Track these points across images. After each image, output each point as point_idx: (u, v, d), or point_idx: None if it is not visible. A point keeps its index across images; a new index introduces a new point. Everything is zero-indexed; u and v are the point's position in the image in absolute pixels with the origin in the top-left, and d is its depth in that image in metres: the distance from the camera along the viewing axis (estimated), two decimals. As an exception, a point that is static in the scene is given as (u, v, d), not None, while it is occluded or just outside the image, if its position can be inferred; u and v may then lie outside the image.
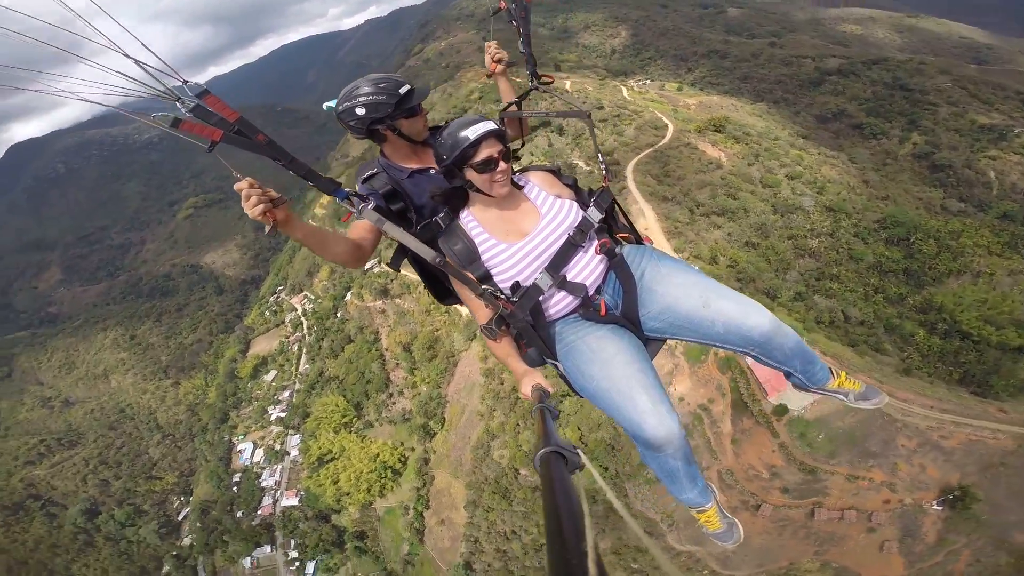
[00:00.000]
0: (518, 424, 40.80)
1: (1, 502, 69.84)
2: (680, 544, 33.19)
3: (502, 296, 2.42)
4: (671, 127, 64.55)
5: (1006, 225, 50.15)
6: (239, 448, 66.73)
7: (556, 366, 2.55)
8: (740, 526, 2.86)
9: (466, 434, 46.04)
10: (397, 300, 62.12)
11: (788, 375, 2.66)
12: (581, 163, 61.25)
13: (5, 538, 65.54)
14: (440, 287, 2.95)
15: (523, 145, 3.16)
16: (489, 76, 3.18)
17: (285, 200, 1.97)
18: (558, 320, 2.58)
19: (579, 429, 35.79)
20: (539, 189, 2.59)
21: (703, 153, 59.62)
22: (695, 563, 32.16)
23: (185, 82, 1.58)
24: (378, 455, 51.10)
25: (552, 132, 65.84)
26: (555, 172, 2.75)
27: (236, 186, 1.94)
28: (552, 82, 3.25)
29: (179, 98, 1.56)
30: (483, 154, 2.26)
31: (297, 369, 70.49)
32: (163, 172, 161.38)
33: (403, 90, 2.58)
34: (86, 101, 1.48)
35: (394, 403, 56.15)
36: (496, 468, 41.38)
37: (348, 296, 68.04)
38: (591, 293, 2.50)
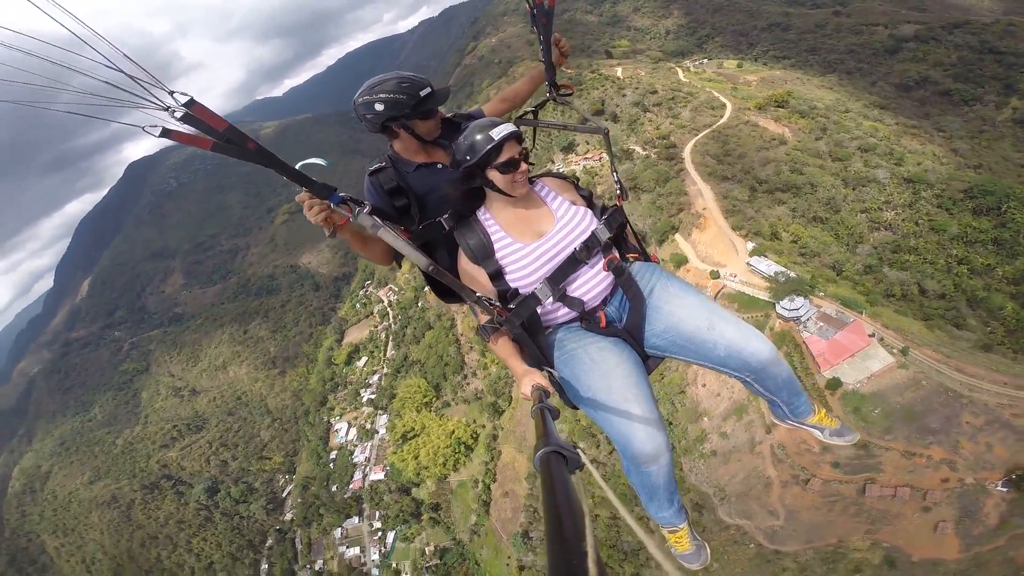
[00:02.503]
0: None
1: (141, 482, 79.95)
2: (729, 517, 33.31)
3: (496, 305, 2.44)
4: (729, 106, 62.12)
5: None
6: (336, 428, 73.07)
7: (551, 373, 2.51)
8: (708, 549, 2.85)
9: (529, 410, 48.00)
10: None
11: (773, 404, 2.69)
12: (638, 148, 60.63)
13: (142, 515, 74.91)
14: (442, 285, 2.88)
15: (531, 151, 3.11)
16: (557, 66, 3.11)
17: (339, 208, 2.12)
18: (559, 328, 2.60)
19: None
20: (555, 194, 2.63)
21: (765, 130, 57.10)
22: (743, 536, 32.12)
23: (171, 92, 1.59)
24: (453, 432, 54.46)
25: (607, 119, 65.38)
26: (572, 182, 2.79)
27: (298, 198, 2.10)
28: (572, 93, 3.16)
29: (168, 107, 1.59)
30: (505, 155, 2.32)
31: (385, 355, 76.01)
32: (258, 182, 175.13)
33: (424, 92, 2.63)
34: (78, 115, 1.51)
35: (468, 383, 59.32)
36: (558, 441, 43.09)
37: (427, 287, 72.55)
38: (595, 307, 2.52)
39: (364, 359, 79.20)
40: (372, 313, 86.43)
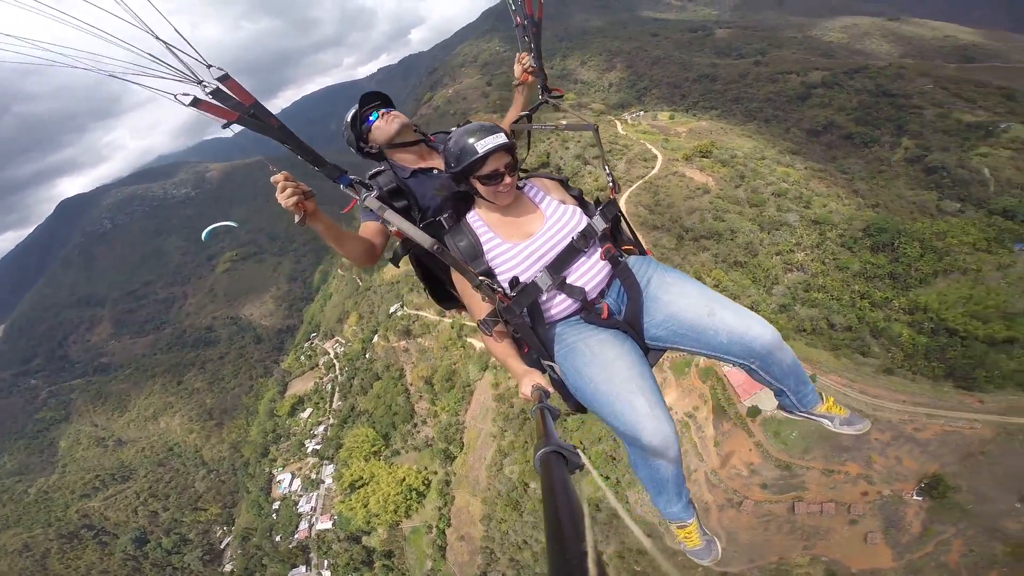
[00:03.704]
0: (526, 442, 43.48)
1: (58, 531, 74.38)
2: (675, 544, 34.75)
3: (499, 290, 2.42)
4: (660, 158, 67.78)
5: (993, 221, 50.92)
6: (278, 479, 70.48)
7: (552, 368, 2.53)
8: (719, 544, 2.83)
9: (481, 455, 48.80)
10: (419, 339, 66.57)
11: (780, 394, 2.66)
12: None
13: (59, 564, 69.56)
14: (440, 288, 2.95)
15: (527, 157, 3.23)
16: (517, 86, 3.23)
17: (314, 193, 2.12)
18: (559, 322, 2.58)
19: (581, 443, 38.24)
20: (544, 193, 2.67)
21: (691, 180, 62.52)
22: (690, 561, 33.68)
23: (209, 66, 1.66)
24: (404, 479, 54.09)
25: (552, 171, 69.90)
26: (562, 182, 2.85)
27: (272, 178, 2.06)
28: (562, 95, 3.26)
29: (201, 81, 1.66)
30: (490, 167, 2.34)
31: (331, 406, 74.97)
32: (200, 227, 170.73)
33: (349, 117, 2.87)
34: (116, 77, 1.55)
35: (418, 431, 59.42)
36: (507, 483, 44.04)
37: (375, 338, 73.01)
38: (593, 297, 2.51)
39: (309, 410, 77.76)
40: (318, 365, 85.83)
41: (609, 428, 2.33)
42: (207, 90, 1.70)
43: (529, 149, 3.33)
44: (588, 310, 2.50)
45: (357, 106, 2.89)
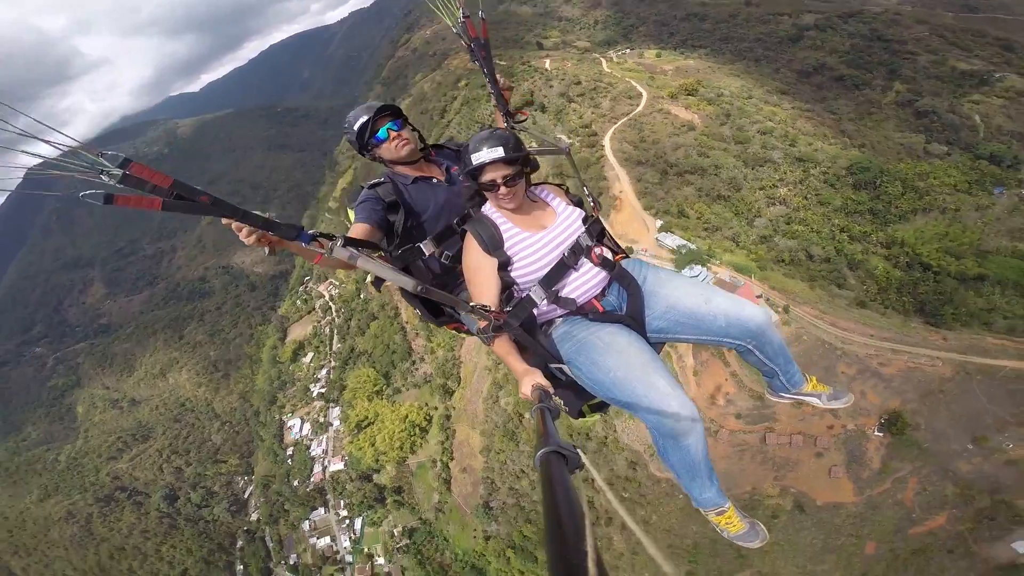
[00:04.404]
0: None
1: (95, 495, 77.27)
2: (660, 472, 37.03)
3: (493, 311, 2.46)
4: (645, 95, 67.20)
5: (978, 165, 51.90)
6: (289, 424, 73.28)
7: (562, 370, 2.57)
8: (762, 525, 2.77)
9: (478, 388, 51.30)
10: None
11: (771, 375, 2.82)
12: (564, 137, 64.52)
13: (104, 528, 72.67)
14: (434, 306, 2.97)
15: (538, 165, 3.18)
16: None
17: (274, 222, 1.96)
18: (563, 322, 2.68)
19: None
20: (554, 195, 2.83)
21: (676, 117, 62.54)
22: (672, 488, 35.65)
23: (100, 154, 1.43)
24: (407, 416, 56.81)
25: (535, 111, 69.19)
26: (564, 189, 2.96)
27: (225, 222, 1.86)
28: (526, 118, 3.30)
29: (102, 171, 1.41)
30: (487, 177, 2.48)
31: (331, 348, 76.68)
32: (181, 180, 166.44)
33: (357, 127, 2.86)
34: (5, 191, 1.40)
35: (417, 369, 61.68)
36: (503, 415, 46.71)
37: (368, 277, 73.52)
38: (590, 300, 2.63)
39: (310, 355, 79.44)
40: (314, 308, 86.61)
41: (634, 415, 2.36)
42: (114, 180, 1.44)
43: None
44: (584, 312, 2.63)
45: (367, 116, 2.86)
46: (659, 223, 48.81)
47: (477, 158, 2.43)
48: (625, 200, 52.60)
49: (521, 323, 2.57)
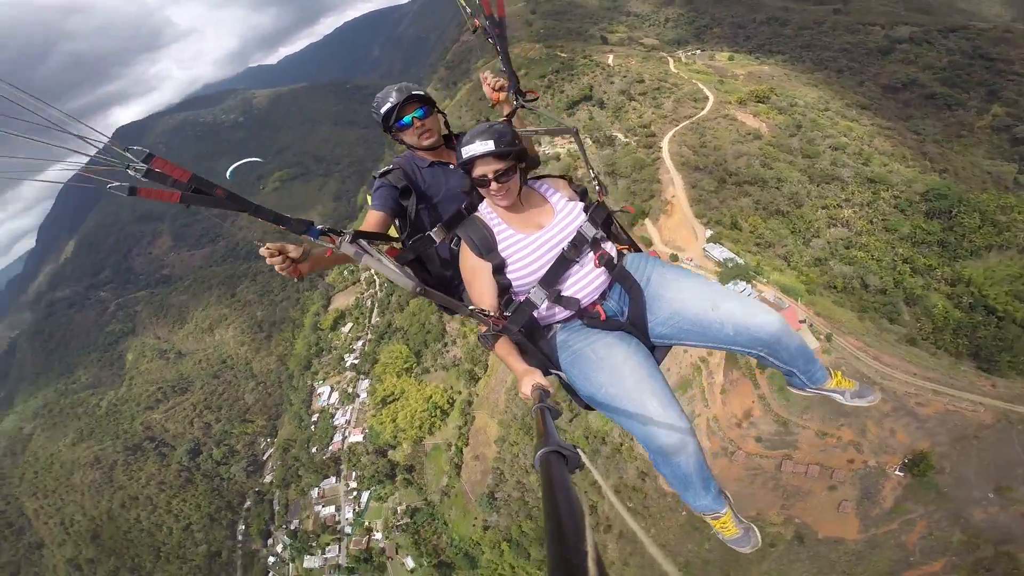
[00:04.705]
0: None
1: (125, 443, 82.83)
2: (667, 486, 36.75)
3: (492, 316, 2.47)
4: (711, 99, 65.22)
5: None
6: (319, 391, 76.81)
7: (559, 376, 2.57)
8: (757, 531, 2.79)
9: (503, 378, 51.93)
10: None
11: (790, 375, 2.72)
12: (620, 135, 63.77)
13: (124, 476, 77.83)
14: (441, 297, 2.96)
15: (538, 160, 3.20)
16: (492, 107, 3.15)
17: (306, 252, 2.11)
18: (562, 328, 2.65)
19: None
20: (554, 190, 2.74)
21: (742, 124, 60.38)
22: (677, 504, 35.20)
23: (126, 149, 1.57)
24: (431, 397, 58.44)
25: (593, 106, 68.48)
26: (568, 179, 2.88)
27: (260, 252, 2.07)
28: (537, 98, 3.23)
29: (128, 165, 1.56)
30: (477, 172, 2.42)
31: (370, 321, 79.84)
32: (250, 149, 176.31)
33: (384, 109, 2.90)
34: (42, 181, 1.52)
35: (447, 351, 63.19)
36: (523, 407, 47.07)
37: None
38: (591, 302, 2.57)
39: (349, 325, 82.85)
40: (359, 280, 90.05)
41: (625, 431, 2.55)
42: (139, 174, 1.60)
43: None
44: (586, 316, 2.57)
45: (394, 101, 2.89)
46: (709, 233, 47.43)
47: (467, 151, 2.40)
48: (676, 205, 51.47)
49: (521, 327, 2.54)
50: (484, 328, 2.51)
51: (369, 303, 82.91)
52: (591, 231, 2.59)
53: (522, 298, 2.55)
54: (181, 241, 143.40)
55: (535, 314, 2.59)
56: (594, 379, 2.36)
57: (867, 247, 45.56)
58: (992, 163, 57.26)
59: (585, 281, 2.56)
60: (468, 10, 2.92)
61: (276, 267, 2.08)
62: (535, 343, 2.60)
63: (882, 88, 75.09)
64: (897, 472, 30.93)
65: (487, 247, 2.55)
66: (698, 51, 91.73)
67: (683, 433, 2.21)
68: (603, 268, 2.58)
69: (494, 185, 2.43)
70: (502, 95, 3.04)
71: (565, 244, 2.54)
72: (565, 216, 2.61)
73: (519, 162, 2.49)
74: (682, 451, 2.24)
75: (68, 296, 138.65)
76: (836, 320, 37.45)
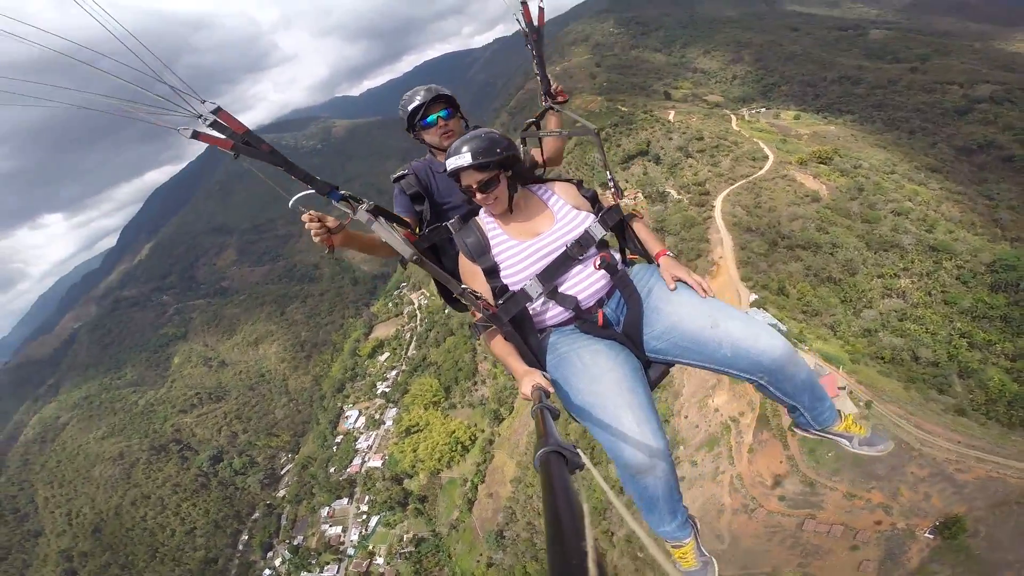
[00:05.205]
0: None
1: (152, 443, 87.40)
2: (670, 565, 36.00)
3: (482, 299, 2.50)
4: (771, 158, 65.70)
5: None
6: (347, 414, 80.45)
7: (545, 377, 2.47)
8: (716, 565, 2.69)
9: (527, 422, 52.50)
10: None
11: (793, 411, 2.60)
12: (673, 192, 65.12)
13: (142, 474, 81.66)
14: (449, 292, 2.94)
15: (546, 169, 3.38)
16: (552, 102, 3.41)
17: (343, 225, 2.34)
18: (553, 330, 2.64)
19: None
20: (557, 197, 2.74)
21: (801, 185, 60.28)
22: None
23: (203, 101, 1.89)
24: (454, 432, 60.04)
25: (648, 161, 70.57)
26: (576, 184, 2.88)
27: (302, 219, 2.31)
28: (567, 100, 3.38)
29: (200, 115, 1.89)
30: (464, 182, 2.52)
31: (406, 353, 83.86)
32: (321, 175, 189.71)
33: (412, 107, 3.05)
34: (124, 116, 1.74)
35: (476, 389, 65.04)
36: (544, 451, 47.47)
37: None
38: (590, 306, 2.55)
39: (386, 354, 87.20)
40: (402, 313, 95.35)
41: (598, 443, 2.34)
42: (206, 123, 1.92)
43: (544, 158, 3.40)
44: (582, 319, 2.53)
45: (422, 100, 3.05)
46: (753, 297, 46.97)
47: (449, 163, 2.50)
48: (723, 266, 51.55)
49: (514, 320, 2.54)
50: (477, 316, 2.58)
51: (408, 336, 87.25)
52: (599, 232, 2.61)
53: (517, 288, 2.55)
54: (244, 256, 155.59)
55: (530, 309, 2.58)
56: (574, 384, 2.34)
57: (922, 320, 43.81)
58: None
59: (586, 283, 2.55)
60: (514, 15, 3.14)
61: (313, 232, 2.32)
62: (526, 340, 2.58)
63: (956, 150, 72.49)
64: (927, 535, 29.66)
65: (479, 251, 2.61)
66: (763, 109, 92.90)
67: (654, 453, 2.15)
68: (604, 271, 2.56)
69: (479, 196, 2.54)
70: (564, 96, 3.44)
71: (565, 247, 2.55)
72: (566, 224, 2.62)
73: (506, 170, 2.55)
74: (650, 472, 2.19)
75: (134, 296, 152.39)
76: (879, 389, 36.23)
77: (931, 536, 29.39)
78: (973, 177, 66.75)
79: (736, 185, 62.26)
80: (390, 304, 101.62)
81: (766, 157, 66.91)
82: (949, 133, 76.13)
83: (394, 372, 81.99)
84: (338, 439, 76.74)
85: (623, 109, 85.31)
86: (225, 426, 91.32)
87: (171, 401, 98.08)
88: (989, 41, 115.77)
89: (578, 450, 1.17)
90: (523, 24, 3.16)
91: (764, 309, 45.17)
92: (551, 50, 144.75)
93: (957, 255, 48.72)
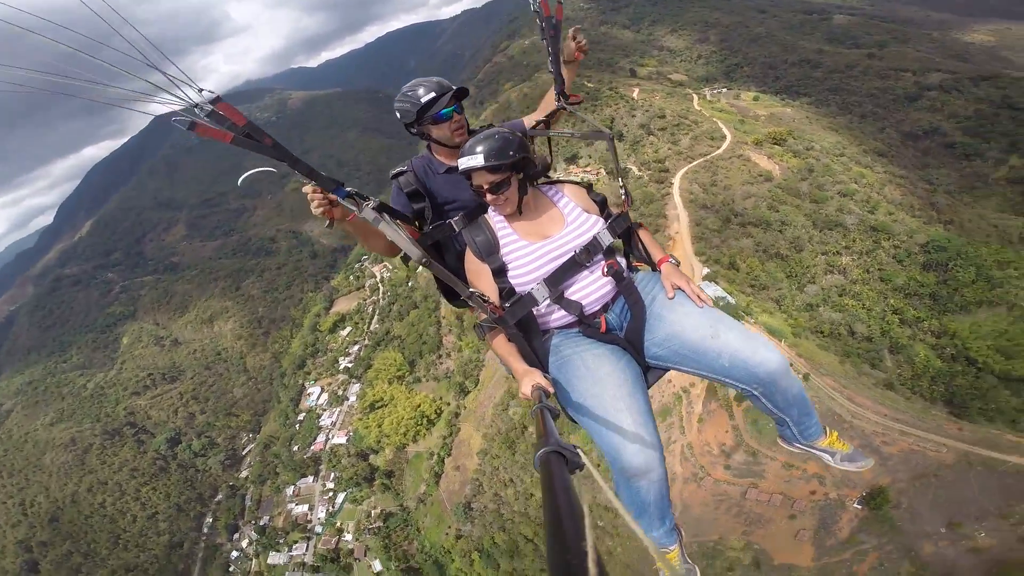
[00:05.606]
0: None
1: (104, 427, 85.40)
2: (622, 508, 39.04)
3: (490, 302, 2.59)
4: (729, 138, 68.84)
5: None
6: (309, 391, 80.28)
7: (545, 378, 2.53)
8: (698, 572, 2.84)
9: (492, 393, 54.80)
10: None
11: (782, 424, 2.72)
12: (634, 168, 67.53)
13: (97, 460, 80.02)
14: (449, 287, 2.98)
15: (550, 166, 3.20)
16: (568, 63, 3.30)
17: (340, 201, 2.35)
18: (557, 333, 2.73)
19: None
20: (567, 199, 2.83)
21: (755, 165, 63.64)
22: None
23: (201, 90, 1.83)
24: (419, 406, 61.49)
25: (573, 135, 72.64)
26: (586, 187, 2.97)
27: (303, 189, 2.33)
28: (580, 102, 3.38)
29: (197, 104, 1.83)
30: (475, 182, 2.60)
31: (369, 327, 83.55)
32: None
33: (425, 99, 2.88)
34: (116, 106, 1.70)
35: (441, 363, 66.40)
36: (509, 423, 49.88)
37: (420, 268, 79.84)
38: (593, 311, 2.65)
39: (348, 329, 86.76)
40: (364, 286, 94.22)
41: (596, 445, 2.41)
42: (203, 113, 1.87)
43: (551, 154, 3.43)
44: (586, 324, 2.65)
45: (437, 92, 2.91)
46: (705, 271, 50.27)
47: (462, 163, 2.56)
48: (678, 242, 54.47)
49: (519, 322, 2.62)
50: (481, 316, 2.66)
51: (371, 309, 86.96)
52: (607, 239, 2.69)
53: (524, 291, 2.63)
54: (195, 231, 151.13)
55: (535, 311, 2.67)
56: (576, 387, 2.43)
57: (860, 296, 47.93)
58: (1000, 216, 58.90)
59: (591, 288, 2.64)
60: (533, 6, 3.09)
61: (315, 204, 2.33)
62: (530, 342, 2.66)
63: (903, 135, 77.47)
64: (856, 505, 32.97)
65: (488, 250, 2.68)
66: (724, 89, 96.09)
67: (652, 457, 2.25)
68: (610, 278, 2.65)
69: (489, 196, 2.60)
70: (582, 55, 3.24)
71: (573, 252, 2.62)
72: (576, 228, 2.70)
73: (517, 172, 2.60)
74: (645, 475, 2.29)
75: (75, 274, 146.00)
76: (817, 362, 39.85)
77: (859, 507, 32.61)
78: (916, 162, 71.82)
79: (694, 163, 65.26)
80: (351, 277, 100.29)
81: (724, 137, 70.10)
82: (898, 119, 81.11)
83: (356, 347, 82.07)
84: (300, 417, 76.89)
85: (589, 85, 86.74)
86: (181, 407, 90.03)
87: (122, 383, 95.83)
88: (947, 30, 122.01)
89: (578, 450, 1.20)
90: (541, 18, 3.15)
91: (715, 282, 48.46)
92: (519, 23, 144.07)
93: (895, 235, 53.07)
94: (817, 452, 2.86)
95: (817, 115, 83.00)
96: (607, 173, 66.09)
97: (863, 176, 63.18)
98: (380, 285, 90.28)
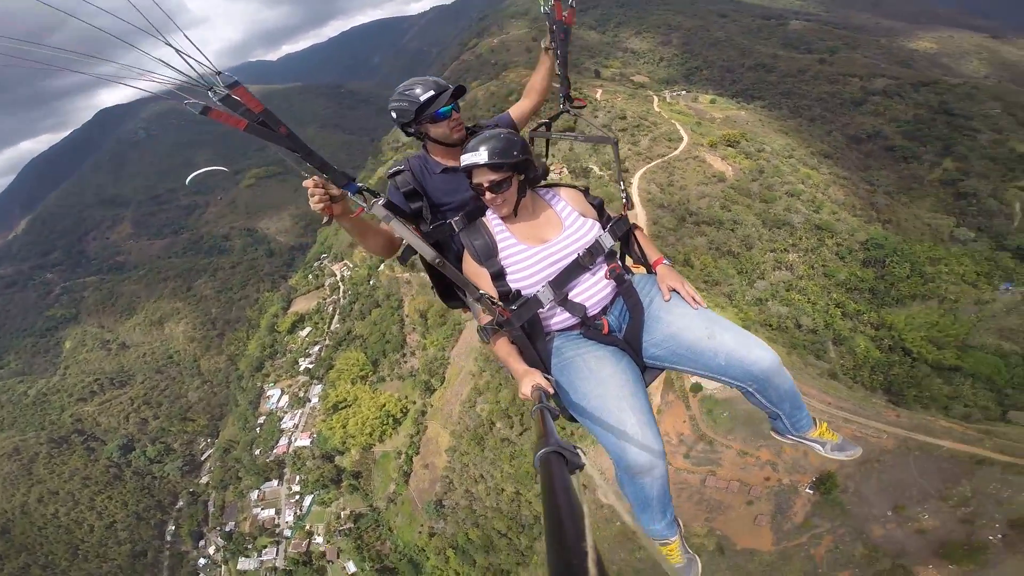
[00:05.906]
0: (500, 384, 50.27)
1: (50, 435, 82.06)
2: (605, 498, 39.98)
3: (499, 304, 2.63)
4: (686, 140, 72.17)
5: (995, 256, 54.58)
6: (268, 394, 79.13)
7: (548, 380, 2.55)
8: (699, 562, 2.98)
9: (459, 391, 55.95)
10: (422, 273, 72.34)
11: (775, 418, 2.89)
12: (596, 168, 69.93)
13: (45, 470, 76.84)
14: (447, 287, 3.13)
15: (549, 171, 3.16)
16: (547, 49, 3.40)
17: (344, 196, 2.31)
18: (559, 335, 2.81)
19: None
20: (565, 203, 2.90)
21: (710, 166, 67.05)
22: (612, 514, 38.16)
23: (218, 73, 1.79)
24: (384, 405, 61.95)
25: (576, 138, 74.98)
26: (584, 192, 3.03)
27: (304, 183, 2.26)
28: (584, 106, 3.51)
29: (211, 87, 1.77)
30: (475, 180, 2.64)
31: (329, 327, 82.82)
32: (232, 143, 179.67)
33: (424, 97, 2.88)
34: (127, 86, 1.64)
35: (405, 361, 66.95)
36: (476, 419, 51.16)
37: (381, 267, 79.88)
38: (595, 313, 2.74)
39: (308, 329, 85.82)
40: (323, 285, 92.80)
41: (600, 444, 2.50)
42: (217, 97, 1.82)
43: (547, 156, 3.49)
44: (588, 326, 2.75)
45: (436, 91, 2.91)
46: (661, 268, 53.01)
47: (464, 159, 2.62)
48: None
49: (523, 324, 2.68)
50: (487, 319, 2.73)
51: (331, 309, 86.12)
52: (609, 243, 2.80)
53: (529, 293, 2.70)
54: (142, 229, 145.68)
55: (539, 313, 2.74)
56: (580, 388, 2.53)
57: (805, 291, 51.57)
58: (932, 216, 63.79)
59: (594, 290, 2.76)
60: (544, 8, 3.14)
61: (315, 199, 2.33)
62: (533, 344, 2.72)
63: (848, 138, 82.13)
64: (807, 490, 35.01)
65: (487, 254, 2.73)
66: (683, 91, 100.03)
67: (654, 455, 2.38)
68: (612, 281, 2.78)
69: (488, 195, 2.67)
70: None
71: (568, 260, 2.72)
72: (574, 232, 2.78)
73: (518, 173, 2.67)
74: (649, 473, 2.42)
75: (10, 275, 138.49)
76: (764, 355, 42.86)
77: (811, 491, 34.80)
78: (859, 164, 76.84)
79: (652, 164, 68.08)
80: (310, 276, 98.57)
81: (681, 138, 73.27)
82: (844, 122, 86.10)
83: (317, 347, 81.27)
84: (261, 420, 75.82)
85: (555, 85, 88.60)
86: (133, 413, 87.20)
87: (67, 389, 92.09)
88: (894, 37, 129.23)
89: (578, 450, 1.25)
90: (551, 21, 3.20)
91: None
92: (489, 21, 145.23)
93: (838, 234, 57.21)
94: (808, 443, 3.04)
95: (769, 118, 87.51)
96: (568, 172, 68.37)
97: (810, 177, 67.53)
98: (340, 284, 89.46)
